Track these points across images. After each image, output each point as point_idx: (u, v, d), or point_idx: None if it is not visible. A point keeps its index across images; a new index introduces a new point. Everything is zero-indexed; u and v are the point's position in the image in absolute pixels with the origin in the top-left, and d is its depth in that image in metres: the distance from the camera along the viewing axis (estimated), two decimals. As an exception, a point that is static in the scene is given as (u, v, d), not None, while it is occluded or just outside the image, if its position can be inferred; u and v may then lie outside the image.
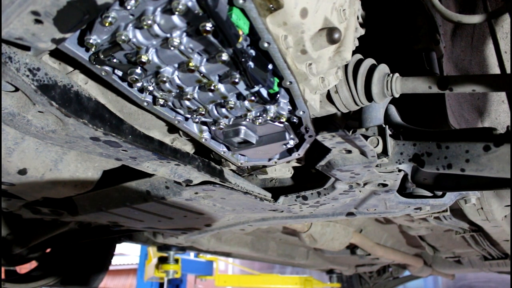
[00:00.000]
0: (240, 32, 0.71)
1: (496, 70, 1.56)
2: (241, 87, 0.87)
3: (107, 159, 1.16)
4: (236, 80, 0.81)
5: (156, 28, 0.70)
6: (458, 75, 1.37)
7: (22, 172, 1.15)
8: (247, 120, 1.01)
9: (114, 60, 0.79)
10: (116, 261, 10.71)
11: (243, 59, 0.76)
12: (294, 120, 1.04)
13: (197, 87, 0.89)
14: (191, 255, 6.52)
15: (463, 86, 1.09)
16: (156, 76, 0.83)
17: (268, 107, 0.96)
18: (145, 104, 0.94)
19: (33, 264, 2.82)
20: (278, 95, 0.92)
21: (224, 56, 0.73)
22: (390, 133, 1.17)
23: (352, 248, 3.65)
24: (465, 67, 1.61)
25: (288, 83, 0.87)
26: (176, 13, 0.65)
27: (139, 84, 0.86)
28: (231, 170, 1.35)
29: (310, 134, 1.08)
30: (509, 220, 2.33)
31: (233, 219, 1.86)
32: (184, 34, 0.72)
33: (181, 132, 1.18)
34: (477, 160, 1.03)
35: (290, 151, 1.19)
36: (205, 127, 1.10)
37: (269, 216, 1.79)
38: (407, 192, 1.48)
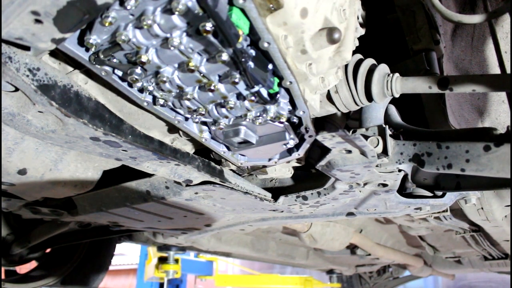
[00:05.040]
0: (240, 32, 0.71)
1: (496, 70, 1.56)
2: (241, 87, 0.87)
3: (107, 159, 1.16)
4: (236, 80, 0.81)
5: (156, 28, 0.70)
6: (458, 75, 1.37)
7: (22, 172, 1.15)
8: (247, 120, 1.01)
9: (114, 60, 0.79)
10: (116, 261, 10.70)
11: (243, 59, 0.76)
12: (294, 120, 1.04)
13: (197, 87, 0.89)
14: (191, 255, 6.52)
15: (463, 86, 1.09)
16: (156, 76, 0.83)
17: (268, 107, 0.96)
18: (145, 104, 0.94)
19: (33, 264, 2.82)
20: (278, 95, 0.92)
21: (224, 56, 0.73)
22: (390, 133, 1.17)
23: (352, 248, 3.65)
24: (465, 67, 1.61)
25: (288, 83, 0.87)
26: (176, 13, 0.65)
27: (139, 84, 0.86)
28: (231, 170, 1.35)
29: (310, 134, 1.08)
30: (509, 220, 2.33)
31: (233, 219, 1.86)
32: (184, 34, 0.72)
33: (181, 132, 1.18)
34: (477, 160, 1.03)
35: (290, 151, 1.19)
36: (205, 127, 1.10)
37: (269, 216, 1.79)
38: (407, 192, 1.48)
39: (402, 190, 1.45)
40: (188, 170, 1.21)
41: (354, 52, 1.08)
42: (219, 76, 0.84)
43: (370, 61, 1.16)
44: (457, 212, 2.27)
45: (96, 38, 0.73)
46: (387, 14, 1.43)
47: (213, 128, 1.05)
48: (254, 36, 0.75)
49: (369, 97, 1.15)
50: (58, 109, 0.81)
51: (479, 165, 1.03)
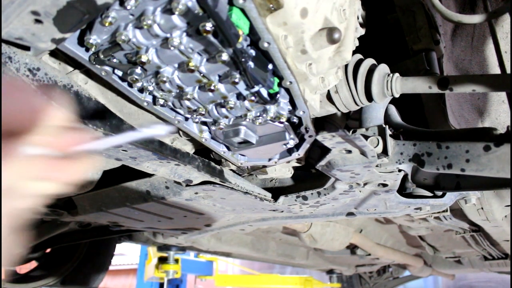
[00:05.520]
0: (240, 32, 0.71)
1: (496, 70, 1.56)
2: (241, 87, 0.87)
3: (107, 159, 1.16)
4: (236, 80, 0.81)
5: (156, 28, 0.70)
6: (458, 75, 1.37)
7: (22, 172, 1.15)
8: (247, 120, 1.01)
9: (114, 60, 0.79)
10: (116, 261, 10.69)
11: (243, 59, 0.76)
12: (294, 120, 1.04)
13: (197, 87, 0.89)
14: (191, 255, 6.52)
15: (463, 86, 1.09)
16: (156, 76, 0.83)
17: (268, 107, 0.96)
18: (145, 104, 0.94)
19: (33, 264, 2.82)
20: (278, 95, 0.92)
21: (224, 56, 0.73)
22: (390, 133, 1.17)
23: (352, 248, 3.65)
24: (465, 67, 1.61)
25: (288, 83, 0.87)
26: (176, 13, 0.65)
27: (139, 84, 0.86)
28: (231, 170, 1.35)
29: (310, 134, 1.08)
30: (509, 220, 2.33)
31: (233, 219, 1.86)
32: (184, 34, 0.72)
33: (181, 132, 1.18)
34: (477, 160, 1.03)
35: (290, 151, 1.19)
36: (205, 127, 1.10)
37: (269, 216, 1.79)
38: (407, 192, 1.48)
39: (402, 190, 1.45)
40: (188, 170, 1.21)
41: (354, 52, 1.08)
42: (219, 76, 0.84)
43: (370, 61, 1.16)
44: (457, 212, 2.27)
45: (96, 38, 0.73)
46: (387, 14, 1.43)
47: (213, 128, 1.05)
48: (254, 36, 0.75)
49: (369, 97, 1.15)
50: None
51: (479, 165, 1.03)
